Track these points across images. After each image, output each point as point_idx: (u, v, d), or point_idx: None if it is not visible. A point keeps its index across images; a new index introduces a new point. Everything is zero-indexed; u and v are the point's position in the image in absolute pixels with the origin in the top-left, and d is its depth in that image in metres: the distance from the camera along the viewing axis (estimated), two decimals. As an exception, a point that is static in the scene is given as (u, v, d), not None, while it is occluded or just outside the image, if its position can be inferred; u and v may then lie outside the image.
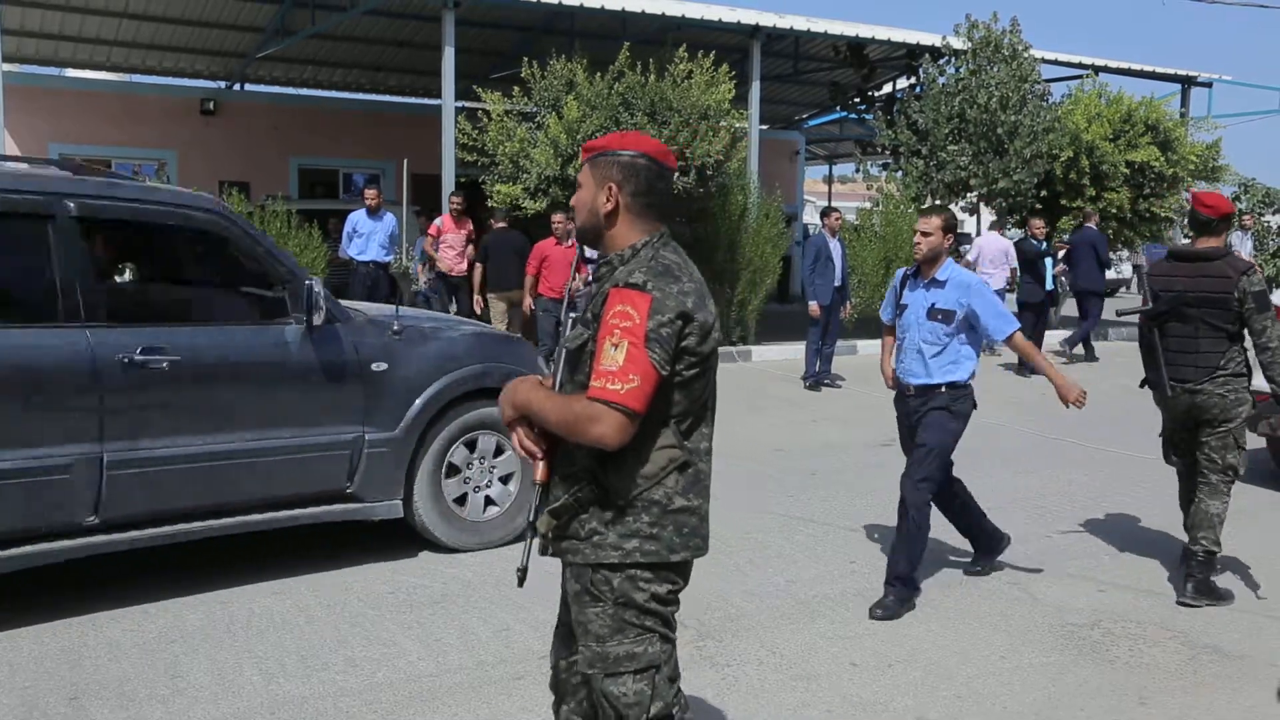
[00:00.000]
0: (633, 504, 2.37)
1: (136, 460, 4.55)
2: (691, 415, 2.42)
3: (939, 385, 4.88)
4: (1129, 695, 4.00)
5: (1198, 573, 5.00)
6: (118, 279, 5.88)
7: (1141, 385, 5.33)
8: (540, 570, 2.66)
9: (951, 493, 5.24)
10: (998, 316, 4.89)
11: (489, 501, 5.65)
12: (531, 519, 2.44)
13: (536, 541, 2.48)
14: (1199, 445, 5.12)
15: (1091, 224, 14.25)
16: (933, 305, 4.90)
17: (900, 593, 4.84)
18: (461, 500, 5.56)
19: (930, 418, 4.90)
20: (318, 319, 4.96)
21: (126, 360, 4.52)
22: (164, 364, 4.60)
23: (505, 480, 5.70)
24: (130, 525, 4.63)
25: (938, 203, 6.10)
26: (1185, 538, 5.68)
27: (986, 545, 5.37)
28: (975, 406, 4.98)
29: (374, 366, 5.21)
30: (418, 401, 5.31)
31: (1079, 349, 14.12)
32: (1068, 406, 4.83)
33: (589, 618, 2.42)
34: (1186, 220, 5.45)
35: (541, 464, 2.42)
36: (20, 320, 4.47)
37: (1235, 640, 4.54)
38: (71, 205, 4.52)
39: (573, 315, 2.56)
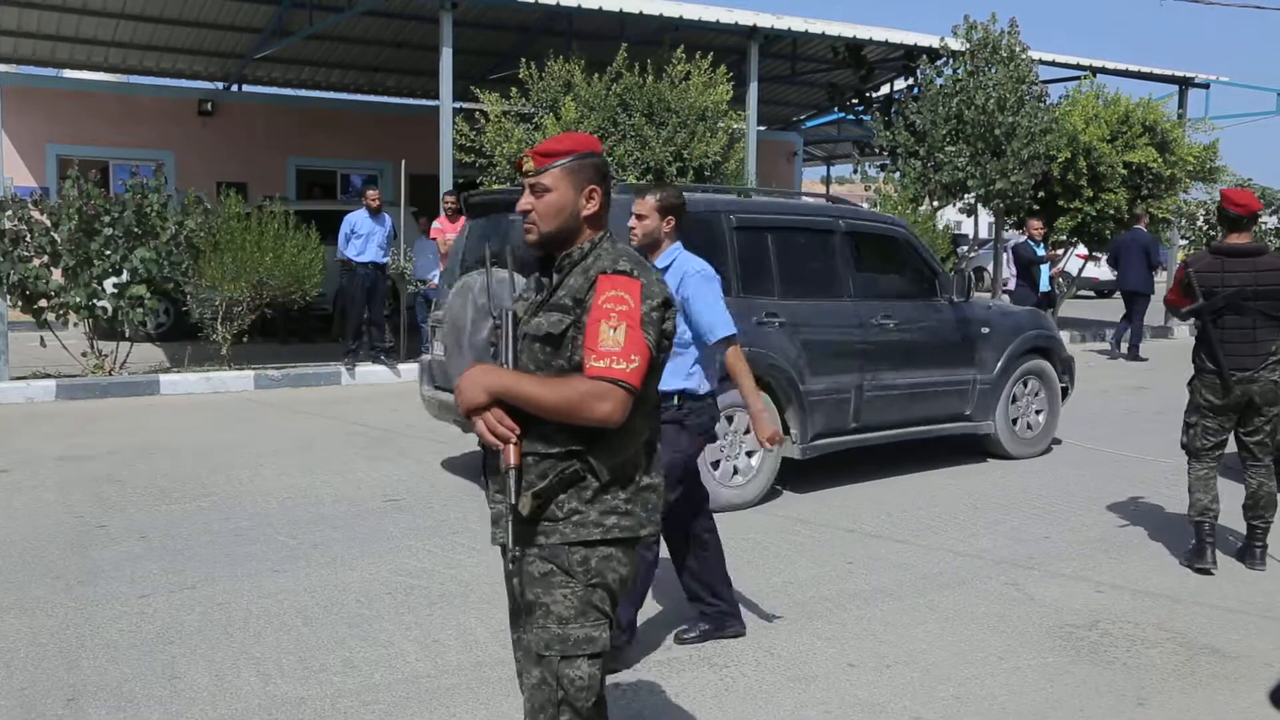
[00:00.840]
0: (612, 482, 2.46)
1: (876, 387, 7.10)
2: (653, 397, 2.55)
3: (670, 394, 4.13)
4: (1127, 696, 4.00)
5: (1265, 540, 5.55)
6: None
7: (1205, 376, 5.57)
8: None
9: (699, 537, 4.44)
10: (713, 312, 4.19)
11: (1028, 426, 8.14)
12: (514, 502, 2.41)
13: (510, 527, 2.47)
14: (1250, 432, 5.51)
15: (1142, 226, 14.47)
16: None
17: (715, 617, 4.41)
18: (1013, 423, 8.02)
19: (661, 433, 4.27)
20: (959, 298, 7.54)
21: (874, 322, 7.10)
22: (890, 324, 7.18)
23: (1039, 412, 8.16)
24: (867, 430, 7.17)
25: (657, 181, 4.93)
26: (1184, 536, 5.73)
27: (714, 617, 4.44)
28: (716, 421, 4.44)
29: (982, 330, 7.71)
30: (1004, 355, 7.78)
31: (1120, 348, 14.42)
32: (760, 445, 4.41)
33: (555, 598, 2.44)
34: (1216, 218, 5.71)
35: (513, 448, 2.40)
36: (821, 296, 6.96)
37: (1233, 641, 4.54)
38: (842, 224, 7.17)
39: (517, 304, 2.56)
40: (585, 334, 2.38)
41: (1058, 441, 8.54)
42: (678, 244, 4.29)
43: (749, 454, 6.54)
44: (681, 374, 4.19)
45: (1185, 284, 5.53)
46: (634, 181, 11.97)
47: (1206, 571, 5.41)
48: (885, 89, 19.64)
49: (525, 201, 2.51)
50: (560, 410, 2.36)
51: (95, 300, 10.29)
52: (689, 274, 4.21)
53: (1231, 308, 5.39)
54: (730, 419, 6.42)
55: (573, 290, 2.45)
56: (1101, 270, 20.98)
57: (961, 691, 4.00)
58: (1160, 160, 15.64)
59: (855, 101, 19.26)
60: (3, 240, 9.88)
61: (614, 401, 2.33)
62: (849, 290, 7.03)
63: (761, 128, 18.75)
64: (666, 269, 4.21)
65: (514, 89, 12.57)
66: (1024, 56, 14.81)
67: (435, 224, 11.99)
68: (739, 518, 6.25)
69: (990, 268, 19.48)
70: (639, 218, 4.27)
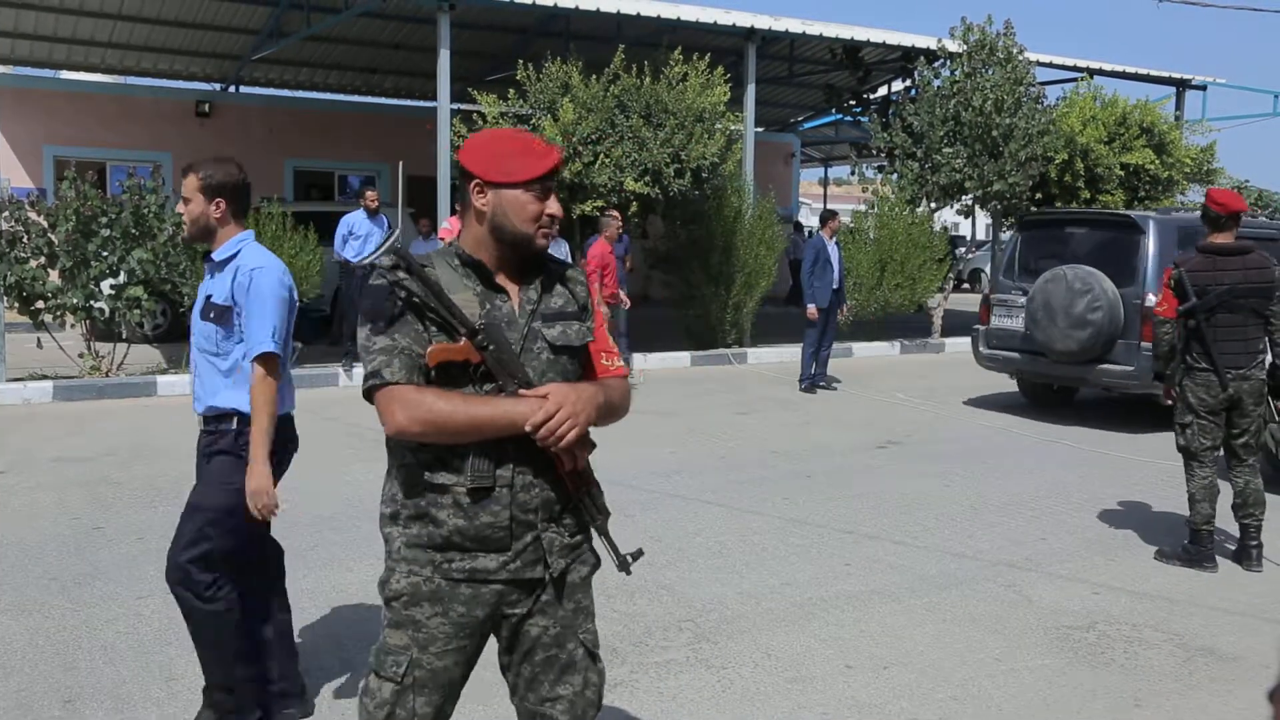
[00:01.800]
0: None
1: None
2: None
3: (230, 414, 3.39)
4: (1124, 697, 4.00)
5: (1259, 538, 5.54)
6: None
7: (1156, 378, 5.63)
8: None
9: (253, 609, 3.66)
10: (259, 324, 3.31)
11: None
12: (605, 519, 2.36)
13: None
14: (1236, 434, 5.55)
15: None
16: (208, 298, 3.42)
17: (223, 705, 3.50)
18: None
19: (213, 465, 3.42)
20: None
21: None
22: None
23: None
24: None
25: (218, 159, 3.47)
26: (1181, 538, 5.74)
27: (248, 699, 3.53)
28: (291, 449, 3.59)
29: None
30: None
31: None
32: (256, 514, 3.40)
33: (590, 599, 2.45)
34: (1200, 218, 5.75)
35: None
36: None
37: (1230, 642, 4.55)
38: None
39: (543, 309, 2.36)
40: (596, 337, 2.40)
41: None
42: (247, 233, 3.45)
43: None
44: (244, 389, 3.35)
45: (1175, 283, 5.54)
46: (632, 184, 11.99)
47: (1211, 570, 5.45)
48: (883, 90, 19.66)
49: (556, 205, 2.30)
50: (622, 413, 2.39)
51: (92, 301, 10.27)
52: (253, 270, 3.35)
53: (1225, 306, 5.44)
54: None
55: (575, 297, 2.38)
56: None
57: (959, 693, 4.00)
58: (1157, 162, 15.67)
59: (853, 103, 19.28)
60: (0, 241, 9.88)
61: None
62: None
63: (759, 129, 18.78)
64: (226, 263, 3.40)
65: (511, 91, 12.57)
66: (1021, 58, 14.82)
67: (444, 224, 11.97)
68: (734, 520, 6.25)
69: (988, 269, 19.49)
70: (184, 201, 3.42)
